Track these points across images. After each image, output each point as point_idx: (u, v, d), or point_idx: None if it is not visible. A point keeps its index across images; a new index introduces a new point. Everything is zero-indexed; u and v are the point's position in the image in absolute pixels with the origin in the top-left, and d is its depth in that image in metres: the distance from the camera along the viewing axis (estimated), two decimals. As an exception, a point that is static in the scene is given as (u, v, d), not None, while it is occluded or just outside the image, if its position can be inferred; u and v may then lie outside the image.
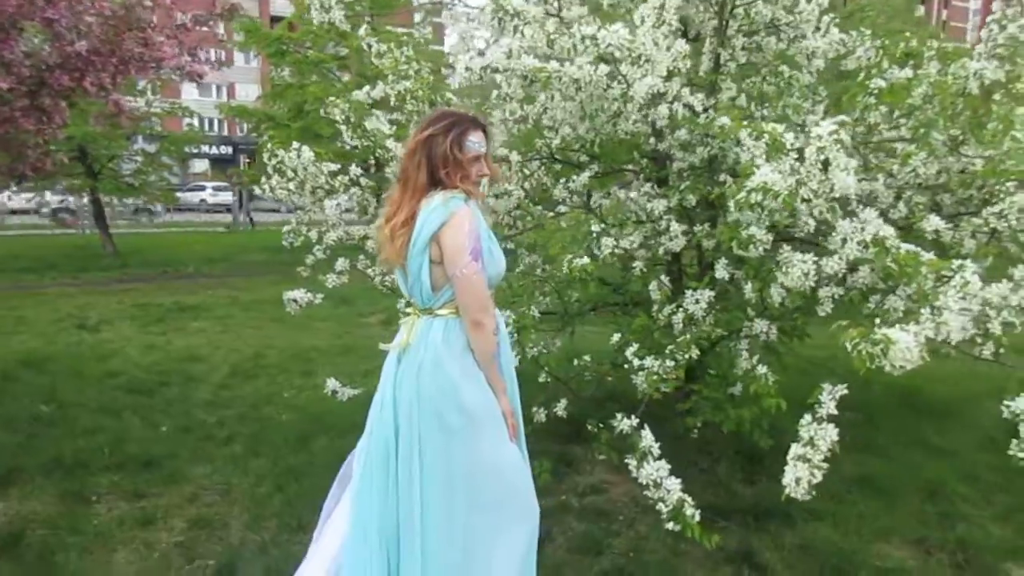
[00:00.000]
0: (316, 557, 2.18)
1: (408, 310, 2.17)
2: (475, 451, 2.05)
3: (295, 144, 3.39)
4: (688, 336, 2.73)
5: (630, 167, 3.90)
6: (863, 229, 2.23)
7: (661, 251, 3.38)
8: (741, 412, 2.92)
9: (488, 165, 2.14)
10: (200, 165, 39.76)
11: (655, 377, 2.73)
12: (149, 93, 13.40)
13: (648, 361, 2.82)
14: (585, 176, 3.66)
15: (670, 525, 2.29)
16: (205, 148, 34.40)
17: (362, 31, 3.95)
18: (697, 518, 2.27)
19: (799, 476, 2.09)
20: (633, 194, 3.44)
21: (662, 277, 3.26)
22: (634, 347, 2.92)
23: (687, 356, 2.72)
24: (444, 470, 2.04)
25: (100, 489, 3.52)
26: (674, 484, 2.30)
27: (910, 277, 2.05)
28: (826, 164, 1.96)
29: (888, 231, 2.19)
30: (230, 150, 40.52)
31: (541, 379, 3.38)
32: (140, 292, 10.41)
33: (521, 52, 2.45)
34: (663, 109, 2.81)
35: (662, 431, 3.58)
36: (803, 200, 2.04)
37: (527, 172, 3.75)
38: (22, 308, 9.06)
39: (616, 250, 2.87)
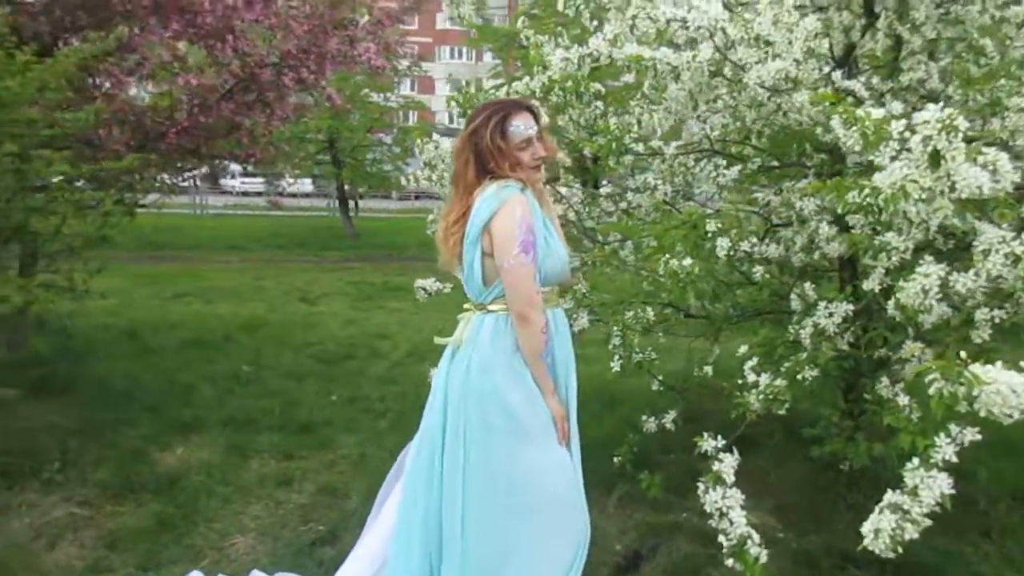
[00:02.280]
0: (364, 547, 2.24)
1: (466, 305, 2.14)
2: (517, 455, 1.97)
3: (434, 136, 3.48)
4: (809, 354, 2.41)
5: (801, 161, 3.52)
6: (1015, 238, 1.81)
7: (817, 255, 3.02)
8: (873, 446, 2.53)
9: (545, 145, 2.04)
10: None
11: (766, 397, 2.45)
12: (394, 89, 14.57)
13: (764, 378, 2.54)
14: (735, 170, 3.37)
15: (730, 562, 2.04)
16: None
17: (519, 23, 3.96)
18: (764, 559, 2.00)
19: (881, 527, 1.76)
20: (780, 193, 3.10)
21: (806, 286, 2.90)
22: (753, 361, 2.64)
23: (804, 376, 2.41)
24: (486, 470, 1.99)
25: (259, 447, 3.90)
26: (740, 517, 2.05)
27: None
28: (935, 157, 1.60)
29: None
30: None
31: (654, 387, 3.18)
32: (361, 271, 11.42)
33: (623, 39, 2.29)
34: (799, 97, 2.49)
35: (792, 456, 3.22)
36: (916, 200, 1.69)
37: (674, 166, 3.53)
38: (264, 279, 10.35)
39: (735, 252, 2.59)
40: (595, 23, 3.16)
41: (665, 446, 3.50)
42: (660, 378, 3.11)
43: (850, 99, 2.92)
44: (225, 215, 21.40)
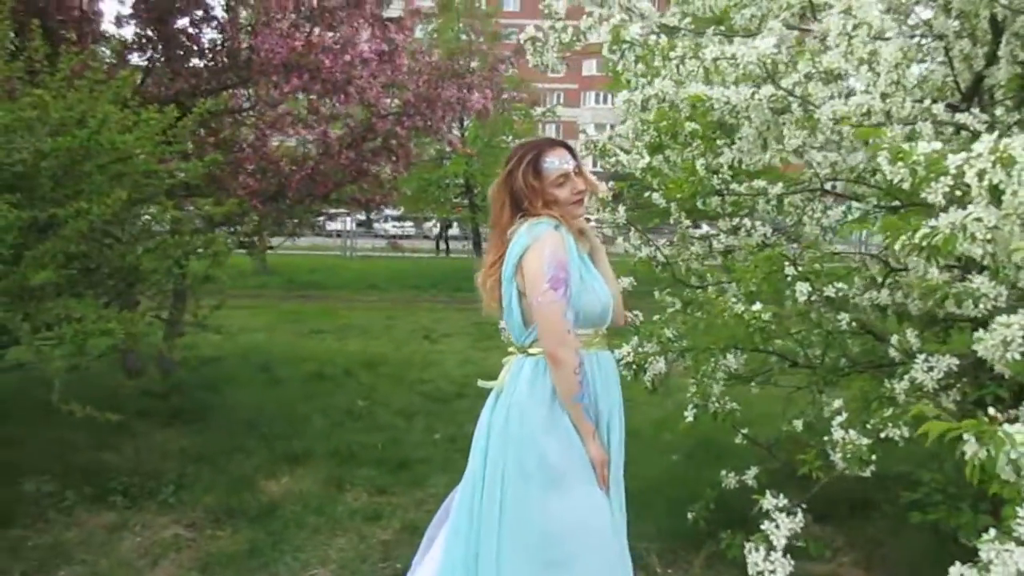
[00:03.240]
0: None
1: (510, 348, 2.12)
2: (550, 505, 1.91)
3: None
4: (894, 412, 2.18)
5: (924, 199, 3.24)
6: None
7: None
8: (980, 517, 2.23)
9: (585, 180, 2.01)
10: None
11: (845, 455, 2.24)
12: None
13: (851, 433, 2.32)
14: (839, 210, 3.16)
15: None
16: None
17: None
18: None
19: None
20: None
21: (909, 333, 2.64)
22: (843, 416, 2.43)
23: (891, 434, 2.18)
24: (522, 519, 1.94)
25: (356, 480, 4.03)
26: None
27: None
28: (994, 191, 1.41)
29: None
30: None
31: (737, 440, 2.98)
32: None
33: (690, 78, 2.21)
34: (889, 132, 2.30)
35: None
36: (982, 241, 1.50)
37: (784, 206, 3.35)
38: (395, 317, 10.78)
39: (815, 297, 2.41)
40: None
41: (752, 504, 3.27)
42: (745, 431, 2.91)
43: (964, 134, 2.69)
44: (371, 257, 22.56)
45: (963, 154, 1.47)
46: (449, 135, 6.78)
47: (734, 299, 2.44)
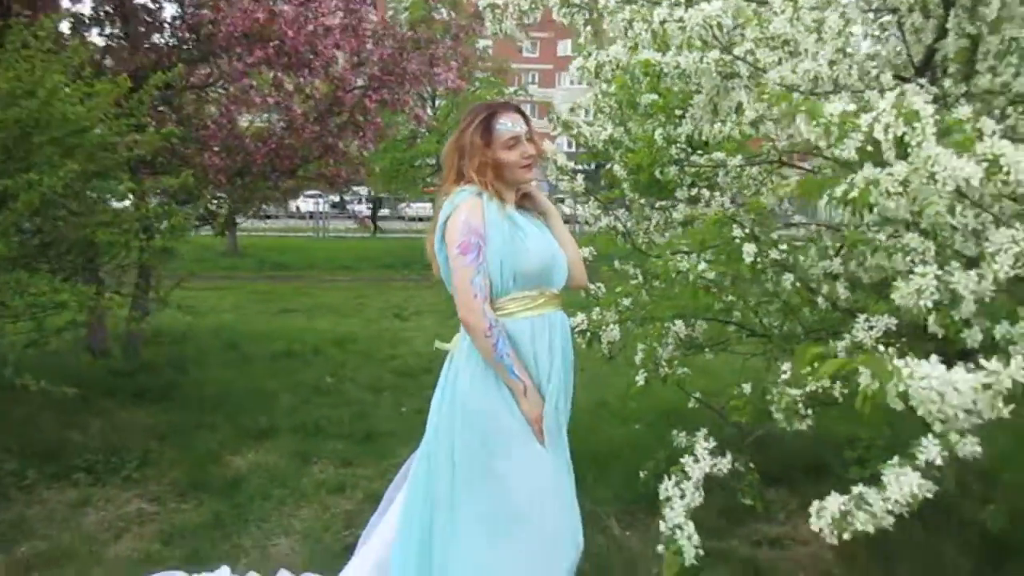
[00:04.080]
0: (367, 548, 2.27)
1: (461, 312, 2.14)
2: (498, 467, 1.95)
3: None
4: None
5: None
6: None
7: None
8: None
9: (536, 145, 2.03)
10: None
11: (782, 409, 2.31)
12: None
13: (792, 389, 2.39)
14: (793, 180, 3.21)
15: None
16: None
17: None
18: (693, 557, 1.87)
19: (827, 507, 1.62)
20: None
21: (839, 286, 2.71)
22: (787, 375, 2.49)
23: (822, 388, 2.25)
24: (471, 485, 1.98)
25: (323, 453, 4.05)
26: (680, 508, 1.94)
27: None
28: (901, 145, 1.47)
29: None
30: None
31: (690, 405, 3.04)
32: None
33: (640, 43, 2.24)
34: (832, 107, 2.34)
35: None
36: (893, 195, 1.56)
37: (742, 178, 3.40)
38: (366, 297, 10.76)
39: (761, 259, 2.46)
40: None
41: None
42: (697, 395, 2.98)
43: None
44: (344, 238, 22.40)
45: (873, 113, 1.52)
46: (416, 109, 6.75)
47: (679, 259, 2.48)
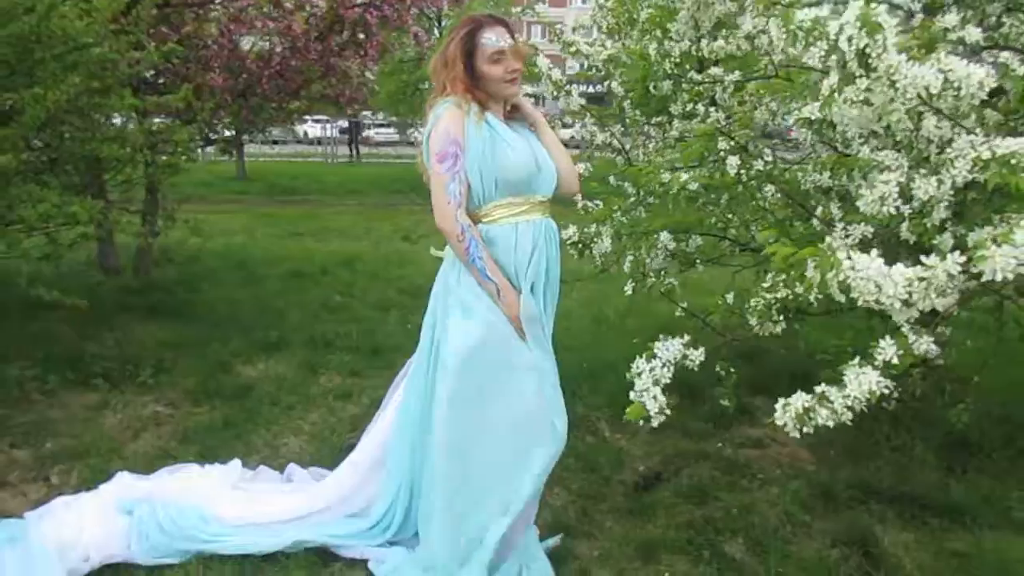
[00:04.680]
0: (372, 432, 2.45)
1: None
2: (458, 341, 2.09)
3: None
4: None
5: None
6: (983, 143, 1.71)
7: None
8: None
9: (520, 58, 2.07)
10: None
11: (759, 309, 2.42)
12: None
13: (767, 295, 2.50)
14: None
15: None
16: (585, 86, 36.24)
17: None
18: (658, 417, 2.00)
19: (791, 403, 1.76)
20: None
21: (833, 205, 2.77)
22: (769, 282, 2.59)
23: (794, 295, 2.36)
24: (456, 374, 2.11)
25: (331, 365, 4.22)
26: (649, 375, 2.07)
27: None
28: (863, 57, 1.52)
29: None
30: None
31: (677, 314, 3.15)
32: (468, 213, 11.71)
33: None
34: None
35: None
36: (857, 103, 1.62)
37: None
38: (376, 221, 10.85)
39: (745, 171, 2.52)
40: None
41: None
42: (684, 305, 3.08)
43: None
44: (353, 163, 22.36)
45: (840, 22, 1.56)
46: (415, 28, 6.67)
47: (662, 170, 2.54)
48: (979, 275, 1.51)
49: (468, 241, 2.00)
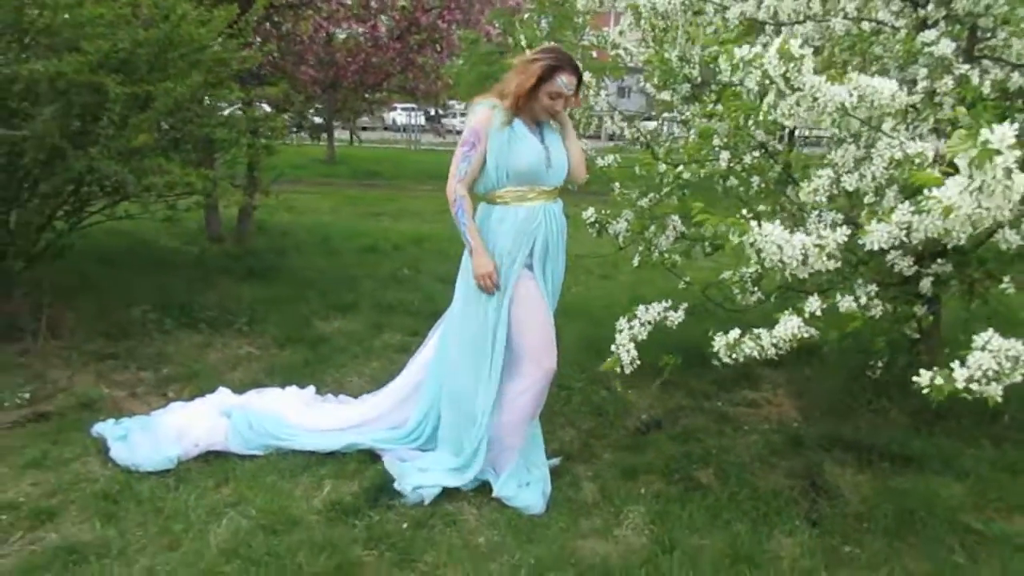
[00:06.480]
0: (412, 365, 3.07)
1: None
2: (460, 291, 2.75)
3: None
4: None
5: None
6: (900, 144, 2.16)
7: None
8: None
9: (565, 105, 2.64)
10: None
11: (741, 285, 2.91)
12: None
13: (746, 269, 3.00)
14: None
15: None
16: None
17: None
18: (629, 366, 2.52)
19: (720, 338, 2.26)
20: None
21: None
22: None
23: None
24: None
25: (394, 326, 4.87)
26: (631, 347, 2.57)
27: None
28: (787, 80, 1.99)
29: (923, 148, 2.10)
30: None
31: (680, 287, 3.63)
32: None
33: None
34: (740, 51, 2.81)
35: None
36: (786, 115, 2.09)
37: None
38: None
39: (735, 164, 2.99)
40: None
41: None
42: (687, 279, 3.56)
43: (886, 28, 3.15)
44: (434, 150, 23.24)
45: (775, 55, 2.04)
46: (487, 27, 7.27)
47: (659, 162, 3.04)
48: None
49: (457, 207, 2.62)
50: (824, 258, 2.01)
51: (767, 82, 2.10)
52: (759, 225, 2.01)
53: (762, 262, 2.04)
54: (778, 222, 2.01)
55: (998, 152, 1.56)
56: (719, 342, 2.34)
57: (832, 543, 2.50)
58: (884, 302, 2.76)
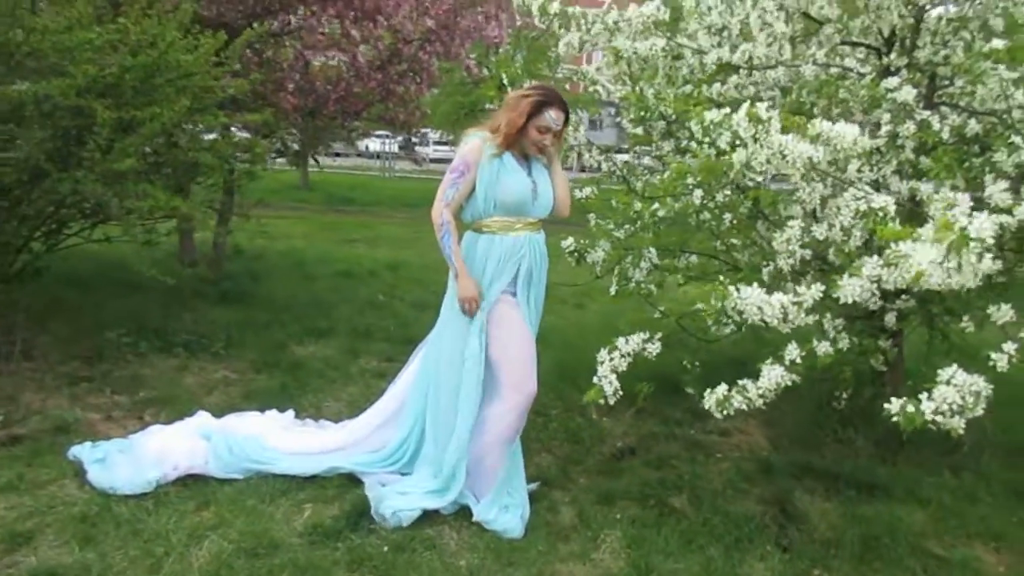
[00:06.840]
0: (391, 390, 3.11)
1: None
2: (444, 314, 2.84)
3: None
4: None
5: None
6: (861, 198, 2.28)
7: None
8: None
9: (554, 142, 2.75)
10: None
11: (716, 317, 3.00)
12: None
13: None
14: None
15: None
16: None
17: None
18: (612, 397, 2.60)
19: (716, 392, 2.34)
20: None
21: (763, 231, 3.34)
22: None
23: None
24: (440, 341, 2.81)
25: (370, 351, 4.91)
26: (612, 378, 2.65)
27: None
28: (756, 140, 2.11)
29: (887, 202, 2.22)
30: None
31: (656, 315, 3.72)
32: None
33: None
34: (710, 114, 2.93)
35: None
36: (757, 172, 2.22)
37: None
38: (425, 231, 11.49)
39: (708, 202, 3.11)
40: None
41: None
42: (661, 309, 3.66)
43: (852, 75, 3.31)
44: (409, 177, 23.37)
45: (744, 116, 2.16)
46: (467, 60, 7.41)
47: (635, 199, 3.16)
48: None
49: (444, 231, 2.72)
50: (803, 313, 2.12)
51: (736, 142, 2.22)
52: (737, 291, 2.11)
53: (743, 322, 2.13)
54: (756, 285, 2.11)
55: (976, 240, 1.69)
56: (709, 399, 2.44)
57: (802, 567, 2.59)
58: (851, 335, 2.89)
